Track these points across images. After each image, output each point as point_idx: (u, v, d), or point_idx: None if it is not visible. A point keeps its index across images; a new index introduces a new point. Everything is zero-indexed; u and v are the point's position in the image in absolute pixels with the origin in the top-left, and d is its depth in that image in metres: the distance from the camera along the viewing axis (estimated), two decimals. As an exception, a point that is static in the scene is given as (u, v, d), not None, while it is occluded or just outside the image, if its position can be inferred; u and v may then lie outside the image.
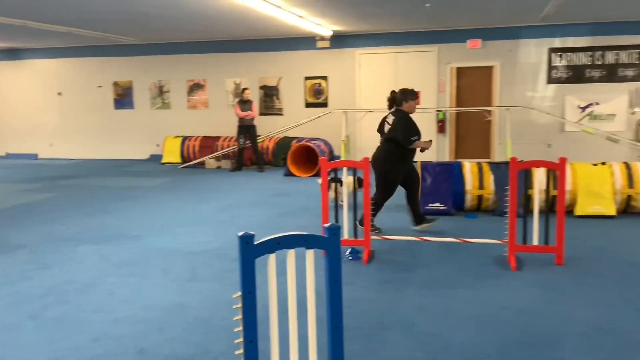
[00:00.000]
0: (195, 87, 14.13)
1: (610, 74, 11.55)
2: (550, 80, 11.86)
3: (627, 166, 7.14)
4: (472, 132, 12.62)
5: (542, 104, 11.93)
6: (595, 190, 7.00)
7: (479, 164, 7.58)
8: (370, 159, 5.54)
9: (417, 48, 12.58)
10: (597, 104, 11.57)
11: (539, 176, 5.40)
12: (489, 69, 12.27)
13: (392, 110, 6.31)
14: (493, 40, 12.07)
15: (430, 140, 6.21)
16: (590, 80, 11.61)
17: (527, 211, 5.40)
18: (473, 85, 12.46)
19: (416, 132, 6.02)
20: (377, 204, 6.17)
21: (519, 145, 11.53)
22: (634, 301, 4.12)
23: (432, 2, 9.06)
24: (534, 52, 11.95)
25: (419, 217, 6.43)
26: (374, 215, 6.02)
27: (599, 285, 4.49)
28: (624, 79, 11.51)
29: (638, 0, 9.17)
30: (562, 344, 3.43)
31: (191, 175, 11.52)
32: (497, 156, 12.13)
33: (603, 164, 7.23)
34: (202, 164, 12.75)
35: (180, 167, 12.81)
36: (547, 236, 5.13)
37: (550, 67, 11.85)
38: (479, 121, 12.38)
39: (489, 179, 7.30)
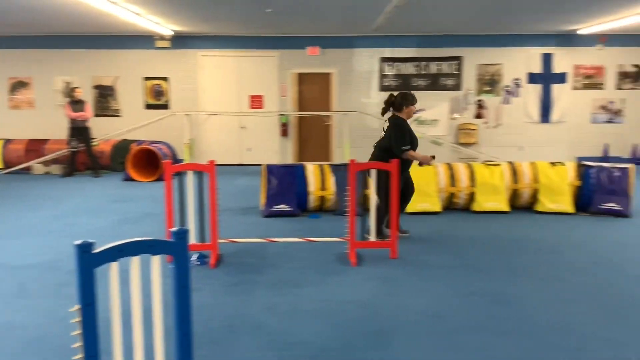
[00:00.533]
0: (18, 86, 12.85)
1: (434, 83, 12.72)
2: (382, 88, 12.72)
3: (450, 167, 7.90)
4: (313, 135, 13.07)
5: (376, 109, 12.74)
6: (423, 189, 7.64)
7: (320, 166, 7.88)
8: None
9: (259, 52, 12.74)
10: (423, 110, 12.66)
11: (375, 177, 5.77)
12: (327, 75, 12.82)
13: (389, 116, 6.05)
14: (331, 48, 12.63)
15: (433, 156, 5.88)
16: (417, 88, 12.65)
17: (365, 210, 5.74)
18: (313, 90, 12.93)
19: (407, 141, 5.79)
20: (384, 211, 5.80)
21: (357, 149, 12.20)
22: (458, 289, 4.58)
23: (272, 8, 9.24)
24: (367, 61, 12.73)
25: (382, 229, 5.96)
26: (384, 221, 5.90)
27: (427, 276, 4.92)
28: (445, 88, 12.74)
29: (454, 17, 10.20)
30: (399, 332, 3.71)
31: (15, 182, 10.46)
32: (337, 158, 12.72)
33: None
34: (28, 169, 11.63)
35: (2, 173, 11.56)
36: (382, 232, 5.50)
37: (382, 76, 12.72)
38: (319, 125, 12.87)
39: (330, 181, 7.63)
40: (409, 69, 12.70)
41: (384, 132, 6.03)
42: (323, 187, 7.62)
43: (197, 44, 12.68)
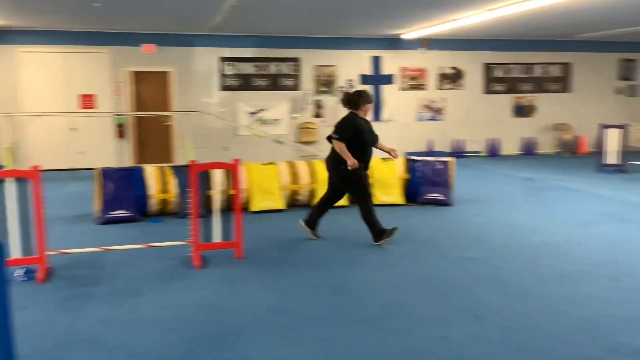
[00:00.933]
0: None
1: (274, 83, 12.93)
2: (223, 88, 12.64)
3: (291, 165, 8.10)
4: (153, 136, 12.58)
5: (217, 109, 12.63)
6: (266, 188, 7.75)
7: (161, 168, 7.61)
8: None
9: (89, 49, 11.94)
10: (265, 109, 12.82)
11: (218, 177, 5.73)
12: (165, 74, 12.41)
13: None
14: (168, 45, 12.24)
15: (361, 167, 5.71)
16: (257, 88, 12.79)
17: (208, 211, 5.67)
18: (151, 89, 12.43)
19: (346, 133, 5.69)
20: (368, 212, 5.77)
21: (199, 149, 11.99)
22: (301, 282, 4.72)
23: (101, 3, 8.71)
24: (207, 60, 12.56)
25: (314, 225, 6.14)
26: (375, 221, 5.79)
27: (273, 272, 5.00)
28: (285, 88, 13.02)
29: (290, 18, 10.46)
30: (245, 331, 3.73)
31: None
32: (179, 160, 12.37)
33: (271, 163, 8.05)
34: None
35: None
36: (227, 233, 5.48)
37: (222, 75, 12.63)
38: (159, 126, 12.42)
39: (172, 183, 7.40)
40: (248, 68, 12.76)
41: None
42: (164, 190, 7.37)
43: (17, 38, 11.53)
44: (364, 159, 5.80)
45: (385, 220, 7.07)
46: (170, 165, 7.90)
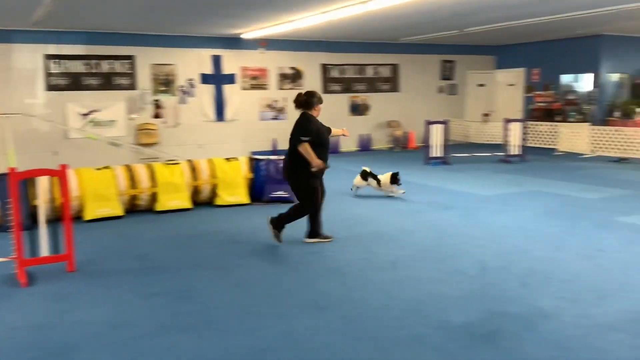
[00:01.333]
0: None
1: (107, 82, 12.19)
2: (50, 87, 11.65)
3: (129, 168, 7.71)
4: (-34, 142, 11.20)
5: (44, 111, 11.61)
6: (102, 194, 7.30)
7: (-25, 178, 6.80)
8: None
9: None
10: (98, 110, 12.05)
11: (44, 185, 5.28)
12: (-21, 72, 11.12)
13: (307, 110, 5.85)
14: (-19, 41, 10.99)
15: (327, 167, 5.75)
16: (89, 87, 11.97)
17: (35, 222, 5.20)
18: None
19: (310, 134, 5.58)
20: (313, 215, 5.84)
21: (25, 155, 10.93)
22: (141, 292, 4.52)
23: None
24: (29, 58, 11.48)
25: (314, 230, 5.93)
26: (316, 227, 5.89)
27: (109, 284, 4.73)
28: (120, 87, 12.35)
29: (121, 14, 9.94)
30: (78, 349, 3.49)
31: None
32: (1, 167, 11.15)
33: (106, 167, 7.60)
34: None
35: None
36: (57, 245, 5.07)
37: (48, 74, 11.63)
38: (-27, 130, 11.09)
39: (-10, 194, 6.66)
40: (78, 67, 11.89)
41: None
42: (-19, 202, 6.60)
43: None
44: (325, 157, 5.78)
45: (229, 220, 7.07)
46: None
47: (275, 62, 14.08)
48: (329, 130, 6.06)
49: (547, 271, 4.85)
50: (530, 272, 4.84)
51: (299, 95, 5.97)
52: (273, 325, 3.80)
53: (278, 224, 5.87)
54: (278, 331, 3.71)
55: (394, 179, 8.25)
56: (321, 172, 5.80)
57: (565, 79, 15.19)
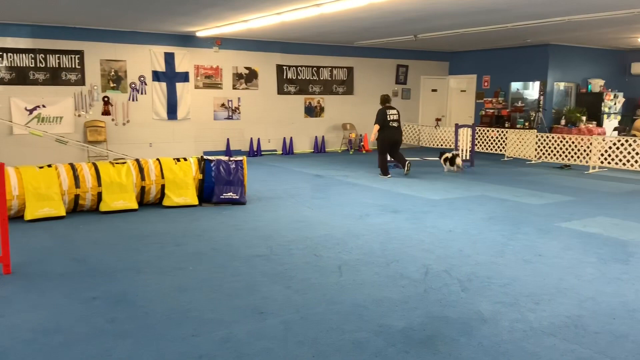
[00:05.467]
0: None
1: (54, 77, 11.81)
2: (-7, 81, 11.21)
3: (73, 167, 7.48)
4: None
5: (-14, 105, 11.16)
6: (43, 193, 7.06)
7: None
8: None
9: None
10: (44, 106, 11.67)
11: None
12: None
13: (388, 105, 10.83)
14: None
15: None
16: (35, 82, 11.57)
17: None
18: None
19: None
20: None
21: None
22: (78, 296, 4.39)
23: None
24: (-30, 49, 11.01)
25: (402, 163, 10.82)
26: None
27: (45, 288, 4.57)
28: (69, 83, 11.97)
29: (70, 6, 9.64)
30: (7, 355, 3.35)
31: None
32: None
33: (49, 166, 7.36)
34: None
35: None
36: (-9, 247, 4.87)
37: (-9, 67, 11.19)
38: None
39: None
40: (24, 60, 11.48)
41: (396, 114, 10.68)
42: None
43: None
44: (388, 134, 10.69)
45: (176, 222, 6.95)
46: None
47: (230, 62, 13.95)
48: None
49: (487, 276, 4.95)
50: (471, 276, 4.93)
51: (386, 95, 11.03)
52: (212, 331, 3.75)
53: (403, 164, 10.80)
54: (217, 337, 3.66)
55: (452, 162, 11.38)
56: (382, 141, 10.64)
57: (515, 86, 15.62)
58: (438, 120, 16.86)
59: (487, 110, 15.91)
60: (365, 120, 15.55)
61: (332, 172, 11.31)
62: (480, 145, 14.58)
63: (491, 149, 14.52)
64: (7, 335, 3.64)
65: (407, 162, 10.73)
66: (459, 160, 11.47)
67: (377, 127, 10.50)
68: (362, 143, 15.67)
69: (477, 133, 14.45)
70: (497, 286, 4.69)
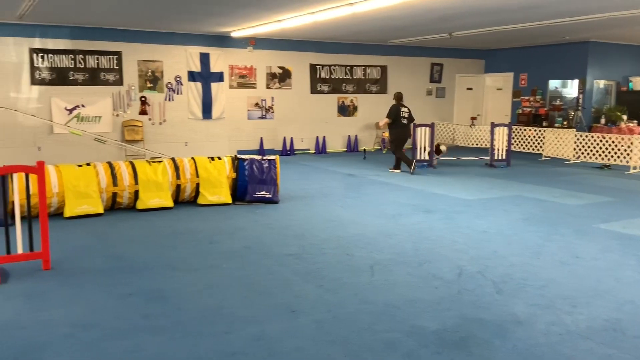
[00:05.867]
0: None
1: (93, 77, 12.09)
2: (34, 82, 11.53)
3: (111, 165, 7.65)
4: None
5: (28, 105, 11.50)
6: (82, 191, 7.24)
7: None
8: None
9: None
10: (83, 106, 11.95)
11: (21, 182, 5.22)
12: (-37, 65, 11.00)
13: (402, 102, 11.29)
14: (-35, 33, 10.86)
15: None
16: (75, 82, 11.87)
17: (10, 219, 5.14)
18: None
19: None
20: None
21: (8, 149, 10.92)
22: (114, 292, 4.48)
23: None
24: (14, 51, 11.35)
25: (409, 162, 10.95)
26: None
27: (82, 283, 4.68)
28: (107, 83, 12.24)
29: (108, 8, 9.86)
30: (45, 351, 3.44)
31: None
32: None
33: (88, 164, 7.54)
34: None
35: None
36: (32, 243, 5.01)
37: (33, 68, 11.51)
38: (-45, 123, 10.97)
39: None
40: (64, 61, 11.79)
41: (407, 112, 11.16)
42: (-42, 197, 6.52)
43: None
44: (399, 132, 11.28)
45: (210, 220, 7.03)
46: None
47: (264, 61, 14.04)
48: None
49: (523, 277, 4.86)
50: (506, 278, 4.85)
51: (400, 93, 11.43)
52: (244, 328, 3.78)
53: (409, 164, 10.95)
54: (249, 334, 3.69)
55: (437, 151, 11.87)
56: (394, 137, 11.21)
57: (553, 84, 15.28)
58: (473, 119, 16.62)
59: (524, 108, 15.62)
60: (398, 120, 15.41)
61: (364, 172, 11.27)
62: (517, 145, 14.31)
63: (528, 149, 14.24)
64: (45, 330, 3.74)
65: (413, 162, 11.01)
66: (443, 147, 12.02)
67: (388, 120, 11.03)
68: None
69: (514, 132, 14.19)
70: (532, 288, 4.60)
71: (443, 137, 16.18)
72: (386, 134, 15.34)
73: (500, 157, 12.18)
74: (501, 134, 12.32)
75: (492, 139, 12.28)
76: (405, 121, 11.05)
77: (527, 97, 15.69)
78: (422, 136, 11.83)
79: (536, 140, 14.02)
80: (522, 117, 15.50)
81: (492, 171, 11.41)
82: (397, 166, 11.25)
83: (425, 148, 11.82)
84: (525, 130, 14.39)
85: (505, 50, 16.45)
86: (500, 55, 16.66)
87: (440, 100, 16.87)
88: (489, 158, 12.29)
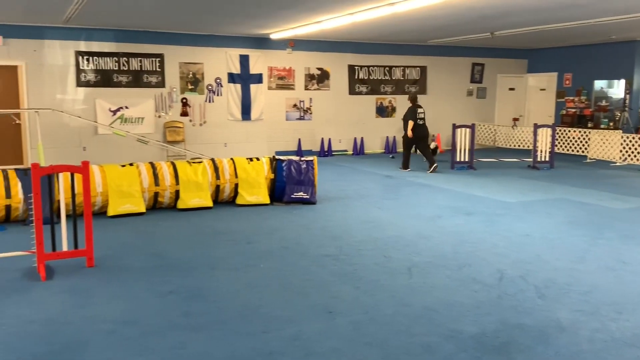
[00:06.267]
0: None
1: (136, 79, 12.36)
2: (80, 83, 11.86)
3: (153, 166, 7.81)
4: (1, 136, 11.50)
5: (74, 106, 11.84)
6: (125, 190, 7.41)
7: (4, 171, 6.98)
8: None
9: None
10: (127, 107, 12.24)
11: (66, 181, 5.38)
12: (14, 68, 11.40)
13: (417, 103, 11.49)
14: (15, 38, 11.25)
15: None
16: (119, 84, 12.16)
17: (56, 217, 5.30)
18: (-4, 85, 11.36)
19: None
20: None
21: (54, 149, 11.23)
22: (155, 290, 4.57)
23: None
24: (60, 54, 11.71)
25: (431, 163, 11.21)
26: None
27: (124, 281, 4.79)
28: (149, 85, 12.51)
29: (152, 12, 10.07)
30: (89, 345, 3.53)
31: None
32: (31, 161, 11.43)
33: (131, 164, 7.71)
34: None
35: None
36: (76, 240, 5.16)
37: (79, 70, 11.85)
38: (8, 124, 11.38)
39: (17, 187, 6.83)
40: (108, 64, 12.10)
41: (423, 113, 11.44)
42: (8, 195, 6.77)
43: None
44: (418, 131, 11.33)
45: (248, 220, 7.09)
46: (14, 168, 7.26)
47: (302, 63, 14.09)
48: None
49: (566, 282, 4.73)
50: (549, 282, 4.73)
51: (414, 93, 12.00)
52: (282, 328, 3.80)
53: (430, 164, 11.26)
54: (286, 334, 3.70)
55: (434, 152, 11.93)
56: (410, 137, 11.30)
57: (598, 84, 14.84)
58: (515, 120, 16.29)
59: (569, 109, 15.20)
60: (438, 121, 15.23)
61: (402, 173, 11.18)
62: (561, 146, 13.95)
63: (572, 150, 13.86)
64: (89, 325, 3.84)
65: (434, 165, 11.18)
66: (433, 145, 12.27)
67: (412, 123, 11.17)
68: (435, 143, 15.38)
69: (558, 133, 13.84)
70: (576, 294, 4.47)
71: (484, 138, 15.90)
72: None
73: (543, 159, 11.90)
74: (544, 135, 12.03)
75: (535, 140, 12.00)
76: (421, 121, 11.26)
77: (571, 98, 15.27)
78: (462, 137, 11.66)
79: (581, 141, 13.63)
80: (566, 118, 15.10)
81: (535, 173, 11.15)
82: (405, 165, 11.53)
83: (465, 149, 11.65)
84: (569, 131, 14.01)
85: (549, 50, 16.06)
86: (543, 55, 16.27)
87: (481, 100, 16.59)
88: (531, 160, 12.02)
